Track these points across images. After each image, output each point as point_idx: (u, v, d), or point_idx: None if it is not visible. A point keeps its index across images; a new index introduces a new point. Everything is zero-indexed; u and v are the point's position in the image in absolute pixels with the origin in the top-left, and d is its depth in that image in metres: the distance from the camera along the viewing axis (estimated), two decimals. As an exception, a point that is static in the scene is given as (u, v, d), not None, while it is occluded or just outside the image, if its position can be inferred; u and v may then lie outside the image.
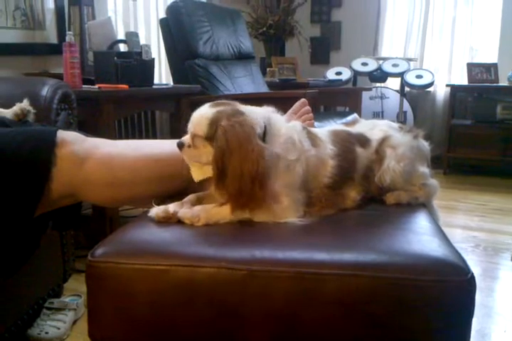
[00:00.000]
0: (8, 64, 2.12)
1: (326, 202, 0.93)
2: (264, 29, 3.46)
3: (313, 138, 0.93)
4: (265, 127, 0.85)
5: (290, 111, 1.30)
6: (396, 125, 1.08)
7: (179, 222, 0.85)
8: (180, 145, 0.90)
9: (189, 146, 0.88)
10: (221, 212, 0.84)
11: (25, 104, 1.21)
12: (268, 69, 3.35)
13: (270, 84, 3.03)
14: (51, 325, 1.36)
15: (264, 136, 0.85)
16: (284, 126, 0.90)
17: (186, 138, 0.89)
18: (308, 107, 1.30)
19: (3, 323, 1.16)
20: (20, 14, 2.20)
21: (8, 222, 0.92)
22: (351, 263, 0.72)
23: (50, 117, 1.39)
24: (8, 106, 1.27)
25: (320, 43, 4.11)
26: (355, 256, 0.74)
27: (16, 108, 1.20)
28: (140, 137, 2.36)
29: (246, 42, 2.95)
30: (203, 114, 0.85)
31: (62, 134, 0.99)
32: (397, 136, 1.02)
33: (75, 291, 1.54)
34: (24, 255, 1.01)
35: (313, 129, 0.99)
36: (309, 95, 2.07)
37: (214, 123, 0.82)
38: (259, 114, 0.86)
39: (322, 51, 4.12)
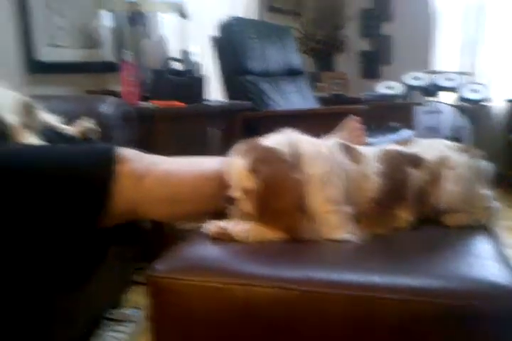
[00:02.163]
0: (70, 82, 2.24)
1: (375, 219, 0.92)
2: (314, 44, 3.47)
3: (354, 155, 0.94)
4: (292, 150, 0.87)
5: (339, 128, 1.30)
6: (452, 144, 1.06)
7: (233, 238, 0.86)
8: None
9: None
10: (271, 231, 0.85)
11: (88, 122, 1.28)
12: (318, 84, 3.36)
13: (320, 100, 3.04)
14: (111, 336, 1.40)
15: (294, 159, 0.86)
16: (312, 144, 0.91)
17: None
18: (358, 124, 1.30)
19: (64, 333, 1.21)
20: (79, 34, 2.32)
21: (72, 237, 0.97)
22: (408, 288, 0.70)
23: (110, 134, 1.45)
24: (71, 124, 1.34)
25: (370, 57, 4.09)
26: (411, 280, 0.72)
27: (79, 126, 1.26)
28: (192, 153, 2.41)
29: (295, 58, 2.97)
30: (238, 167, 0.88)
31: (122, 151, 1.03)
32: (454, 156, 1.00)
33: (135, 303, 1.57)
34: (90, 268, 1.05)
35: (357, 146, 0.99)
36: (359, 111, 2.06)
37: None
38: (282, 141, 0.89)
39: (372, 65, 4.08)
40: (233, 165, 0.89)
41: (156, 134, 1.83)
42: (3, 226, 0.94)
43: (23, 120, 1.17)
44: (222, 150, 2.39)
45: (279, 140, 0.89)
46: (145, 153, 1.11)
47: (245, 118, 2.30)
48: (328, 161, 0.89)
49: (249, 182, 0.85)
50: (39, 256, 0.97)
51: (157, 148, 1.78)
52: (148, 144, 1.80)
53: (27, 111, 1.17)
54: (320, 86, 3.31)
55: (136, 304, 1.56)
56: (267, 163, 0.85)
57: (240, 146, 0.92)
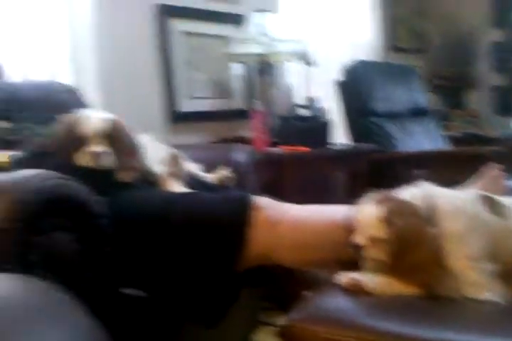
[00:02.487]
0: (205, 129, 2.43)
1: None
2: (440, 82, 3.37)
3: (497, 207, 0.88)
4: (428, 204, 0.85)
5: (479, 176, 1.24)
6: None
7: (365, 290, 0.86)
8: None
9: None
10: (404, 285, 0.83)
11: (225, 170, 1.38)
12: (446, 123, 3.23)
13: (450, 139, 2.91)
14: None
15: (429, 213, 0.85)
16: (449, 198, 0.89)
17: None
18: (498, 172, 1.23)
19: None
20: (215, 85, 2.53)
21: (211, 277, 1.04)
22: None
23: (243, 181, 1.55)
24: (210, 171, 1.46)
25: (504, 93, 3.83)
26: None
27: (219, 174, 1.37)
28: (319, 197, 2.44)
29: (421, 97, 2.91)
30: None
31: (257, 199, 1.10)
32: None
33: (262, 343, 1.60)
34: (224, 307, 1.11)
35: (500, 198, 0.93)
36: (495, 152, 1.94)
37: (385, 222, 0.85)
38: (417, 194, 0.87)
39: (507, 101, 3.82)
40: (364, 213, 0.90)
41: (283, 178, 1.90)
42: (155, 263, 1.04)
43: (170, 170, 1.30)
44: (347, 193, 2.39)
45: (414, 193, 0.89)
46: (275, 197, 1.17)
47: (371, 161, 2.28)
48: (467, 216, 0.86)
49: (380, 232, 0.85)
50: (181, 293, 1.06)
51: (284, 191, 1.87)
52: (276, 187, 1.89)
53: (174, 161, 1.31)
54: (449, 125, 3.17)
55: (263, 344, 1.58)
56: (401, 215, 0.85)
57: (373, 195, 0.93)
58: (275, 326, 1.72)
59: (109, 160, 1.15)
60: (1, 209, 0.70)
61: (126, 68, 2.07)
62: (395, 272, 0.83)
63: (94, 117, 1.17)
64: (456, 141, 2.94)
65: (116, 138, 1.17)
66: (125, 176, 1.18)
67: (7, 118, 1.38)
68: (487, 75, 3.68)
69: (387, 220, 0.85)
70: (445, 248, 0.82)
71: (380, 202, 0.89)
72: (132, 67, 2.10)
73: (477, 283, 0.81)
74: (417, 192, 0.89)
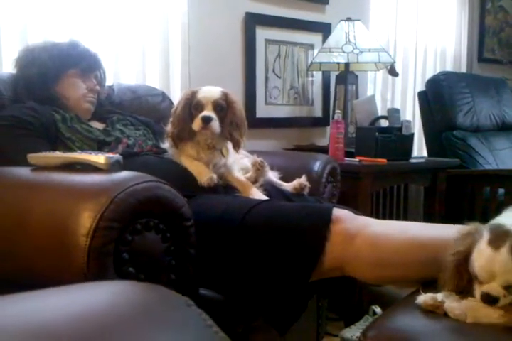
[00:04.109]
0: (281, 135, 2.46)
1: None
2: (532, 96, 3.18)
3: None
4: None
5: None
6: None
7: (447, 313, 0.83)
8: None
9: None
10: (493, 314, 0.78)
11: (303, 179, 1.39)
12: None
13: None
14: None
15: None
16: None
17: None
18: None
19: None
20: (293, 92, 2.55)
21: (286, 284, 1.06)
22: None
23: (319, 189, 1.55)
24: (285, 178, 1.48)
25: None
26: None
27: (296, 183, 1.39)
28: (393, 210, 2.40)
29: (511, 112, 2.77)
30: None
31: (337, 212, 1.10)
32: None
33: (325, 354, 1.60)
34: (293, 316, 1.12)
35: None
36: None
37: None
38: None
39: None
40: (488, 255, 0.79)
41: (358, 189, 1.88)
42: (232, 267, 1.07)
43: (252, 176, 1.34)
44: (424, 208, 2.31)
45: None
46: (357, 214, 1.16)
47: (450, 176, 2.20)
48: None
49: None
50: (255, 297, 1.08)
51: (358, 202, 1.85)
52: (351, 198, 1.87)
53: (257, 168, 1.34)
54: (539, 141, 2.99)
55: (325, 354, 1.58)
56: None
57: (485, 230, 0.83)
58: (340, 337, 1.71)
59: (215, 126, 1.27)
60: (100, 209, 0.75)
61: (213, 74, 2.14)
62: None
63: (209, 88, 1.32)
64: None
65: (226, 108, 1.30)
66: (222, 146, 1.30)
67: (103, 120, 1.48)
68: None
69: (495, 249, 0.77)
70: None
71: (503, 237, 0.79)
72: (219, 73, 2.17)
73: None
74: None
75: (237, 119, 1.32)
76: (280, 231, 1.07)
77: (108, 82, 1.66)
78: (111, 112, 1.54)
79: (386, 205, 2.35)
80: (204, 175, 1.24)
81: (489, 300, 0.78)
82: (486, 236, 0.81)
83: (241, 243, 1.07)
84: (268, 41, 2.43)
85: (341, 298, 1.83)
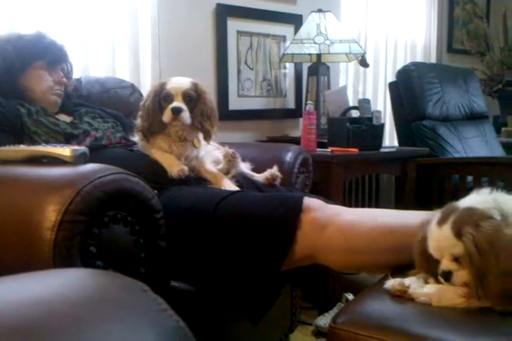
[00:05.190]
0: (253, 127, 2.46)
1: None
2: (500, 86, 3.25)
3: None
4: (498, 209, 0.81)
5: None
6: None
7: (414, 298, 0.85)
8: None
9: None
10: (455, 298, 0.80)
11: (274, 170, 1.40)
12: (503, 128, 3.12)
13: (506, 146, 2.81)
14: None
15: (502, 218, 0.80)
16: None
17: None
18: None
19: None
20: (266, 84, 2.55)
21: (257, 274, 1.06)
22: None
23: (291, 180, 1.56)
24: (257, 170, 1.48)
25: None
26: None
27: (268, 173, 1.39)
28: (365, 199, 2.43)
29: (479, 101, 2.83)
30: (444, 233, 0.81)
31: (308, 201, 1.11)
32: None
33: (299, 343, 1.62)
34: (266, 305, 1.13)
35: None
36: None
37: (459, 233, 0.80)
38: (484, 201, 0.83)
39: None
40: (435, 230, 0.83)
41: (331, 179, 1.90)
42: (203, 258, 1.07)
43: (224, 168, 1.34)
44: (395, 196, 2.34)
45: (479, 199, 0.84)
46: (326, 200, 1.17)
47: (420, 165, 2.24)
48: None
49: (460, 249, 0.79)
50: (226, 288, 1.09)
51: (333, 193, 1.86)
52: (323, 188, 1.89)
53: (229, 160, 1.34)
54: (505, 130, 3.06)
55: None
56: (471, 222, 0.79)
57: (439, 210, 0.87)
58: (314, 326, 1.74)
59: (186, 117, 1.26)
60: (65, 202, 0.74)
61: (184, 67, 2.12)
62: (478, 280, 0.78)
63: (179, 79, 1.31)
64: (511, 147, 2.84)
65: (196, 99, 1.29)
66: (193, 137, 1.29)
67: (70, 113, 1.45)
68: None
69: (460, 233, 0.79)
70: None
71: (448, 215, 0.83)
72: (190, 66, 2.15)
73: None
74: (481, 199, 0.84)
75: (208, 110, 1.31)
76: (251, 222, 1.07)
77: (76, 75, 1.63)
78: (79, 105, 1.51)
79: (358, 195, 2.38)
80: (175, 167, 1.23)
81: (445, 276, 0.81)
82: (436, 217, 0.84)
83: (212, 234, 1.07)
84: (240, 33, 2.42)
85: (315, 287, 1.85)
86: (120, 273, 0.40)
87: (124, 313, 0.29)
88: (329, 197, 1.42)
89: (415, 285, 0.86)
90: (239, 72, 2.43)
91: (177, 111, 1.25)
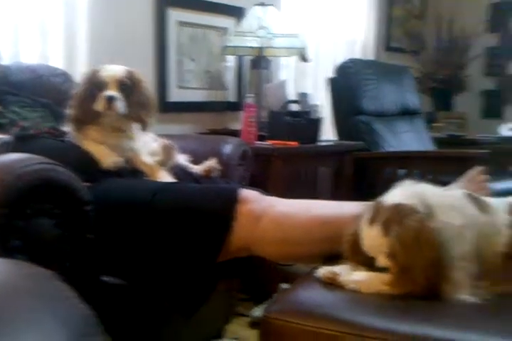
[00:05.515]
0: (194, 120, 2.43)
1: (501, 276, 0.87)
2: (433, 84, 3.40)
3: (482, 206, 0.90)
4: (422, 202, 0.85)
5: (464, 178, 1.27)
6: None
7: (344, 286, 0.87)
8: None
9: None
10: (382, 284, 0.83)
11: (212, 162, 1.39)
12: (434, 124, 3.27)
13: (436, 140, 2.95)
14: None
15: (426, 210, 0.84)
16: (441, 195, 0.89)
17: None
18: (483, 176, 1.26)
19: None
20: (207, 76, 2.53)
21: (193, 266, 1.06)
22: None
23: (230, 172, 1.56)
24: (196, 162, 1.47)
25: (493, 97, 3.88)
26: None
27: (205, 165, 1.38)
28: (304, 191, 2.47)
29: (412, 98, 2.94)
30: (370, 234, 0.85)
31: (244, 192, 1.11)
32: None
33: (235, 334, 1.63)
34: (203, 297, 1.13)
35: (484, 198, 0.96)
36: (479, 155, 1.97)
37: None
38: (409, 195, 0.86)
39: (495, 105, 3.87)
40: (366, 232, 0.85)
41: (270, 172, 1.92)
42: (137, 251, 1.05)
43: (161, 159, 1.32)
44: (332, 189, 2.40)
45: (405, 194, 0.87)
46: (263, 191, 1.18)
47: (356, 158, 2.31)
48: (460, 212, 0.86)
49: (383, 247, 0.82)
50: (160, 281, 1.07)
51: (271, 185, 1.88)
52: (263, 181, 1.90)
53: (166, 152, 1.32)
54: (436, 126, 3.21)
55: (236, 335, 1.61)
56: (397, 220, 0.82)
57: (367, 208, 0.89)
58: (250, 317, 1.75)
59: (120, 106, 1.22)
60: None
61: (120, 56, 2.05)
62: (400, 270, 0.81)
63: (113, 67, 1.26)
64: (441, 142, 2.98)
65: (131, 87, 1.25)
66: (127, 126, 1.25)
67: (-4, 101, 1.38)
68: (478, 79, 3.72)
69: (385, 225, 0.82)
70: (442, 247, 0.80)
71: (377, 213, 0.86)
72: (128, 55, 2.09)
73: (460, 283, 0.82)
74: (407, 192, 0.88)
75: (144, 99, 1.28)
76: (187, 213, 1.06)
77: (5, 61, 1.55)
78: (6, 93, 1.43)
79: (297, 187, 2.41)
80: (108, 159, 1.20)
81: (381, 269, 0.84)
82: (366, 215, 0.86)
83: (148, 226, 1.05)
84: (181, 23, 2.38)
85: (251, 278, 1.87)
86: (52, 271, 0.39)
87: (30, 301, 0.28)
88: (268, 190, 1.43)
89: (345, 273, 0.88)
90: (180, 63, 2.39)
91: (111, 100, 1.21)
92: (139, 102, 1.26)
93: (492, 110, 3.88)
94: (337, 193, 2.26)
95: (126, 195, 1.10)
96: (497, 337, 0.71)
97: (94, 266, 0.92)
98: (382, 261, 0.83)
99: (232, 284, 1.54)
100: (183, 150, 1.48)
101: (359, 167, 2.32)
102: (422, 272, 0.78)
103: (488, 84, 3.90)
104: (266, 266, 1.87)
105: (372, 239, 0.84)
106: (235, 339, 1.61)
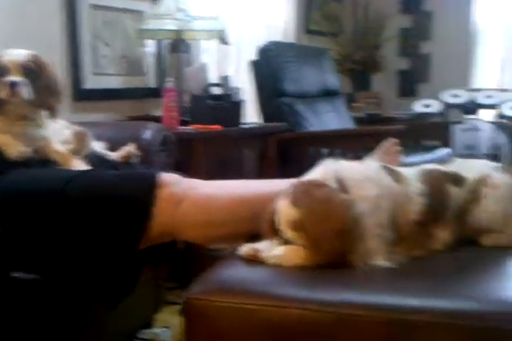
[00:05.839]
0: (111, 108, 2.34)
1: (414, 241, 0.92)
2: (351, 65, 3.50)
3: (396, 176, 0.94)
4: (337, 176, 0.88)
5: (379, 150, 1.32)
6: (494, 164, 1.05)
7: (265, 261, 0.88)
8: None
9: None
10: (301, 256, 0.84)
11: (130, 147, 1.35)
12: (353, 104, 3.38)
13: (356, 119, 3.05)
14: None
15: (339, 184, 0.87)
16: (357, 168, 0.92)
17: None
18: (395, 147, 1.31)
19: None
20: (125, 62, 2.43)
21: (113, 255, 1.02)
22: (443, 311, 0.70)
23: (151, 158, 1.52)
24: (114, 149, 1.42)
25: (408, 76, 4.07)
26: (446, 303, 0.72)
27: (123, 151, 1.34)
28: (229, 174, 2.46)
29: (332, 79, 3.01)
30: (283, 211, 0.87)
31: (163, 176, 1.08)
32: (496, 176, 0.99)
33: (165, 323, 1.60)
34: (128, 285, 1.10)
35: (397, 168, 1.00)
36: (395, 131, 2.06)
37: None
38: (324, 171, 0.90)
39: (410, 84, 4.06)
40: (279, 209, 0.87)
41: (193, 157, 1.89)
42: (50, 243, 1.00)
43: (74, 147, 1.25)
44: (258, 171, 2.42)
45: (321, 170, 0.90)
46: (184, 176, 1.16)
47: (280, 140, 2.34)
48: (375, 182, 0.89)
49: (292, 215, 0.84)
50: (77, 273, 1.03)
51: (195, 170, 1.86)
52: (187, 166, 1.87)
53: (79, 139, 1.26)
54: (355, 106, 3.32)
55: (167, 323, 1.59)
56: (307, 193, 0.85)
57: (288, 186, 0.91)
58: (180, 305, 1.73)
59: (25, 92, 1.15)
60: None
61: (26, 41, 1.92)
62: (305, 243, 0.83)
63: (16, 51, 1.19)
64: (360, 121, 3.09)
65: (37, 72, 1.18)
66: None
67: None
68: (393, 59, 3.88)
69: (295, 203, 0.84)
70: (355, 216, 0.83)
71: (293, 190, 0.88)
72: (33, 40, 1.96)
73: (376, 250, 0.85)
74: (323, 168, 0.91)
75: (52, 84, 1.21)
76: (103, 201, 1.02)
77: None
78: None
79: (222, 171, 2.41)
80: (12, 149, 1.12)
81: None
82: (285, 191, 0.88)
83: (61, 217, 1.00)
84: (94, 6, 2.26)
85: (181, 266, 1.85)
86: None
87: None
88: (192, 175, 1.41)
89: (267, 249, 0.89)
90: (94, 48, 2.28)
91: (14, 86, 1.13)
92: (46, 87, 1.19)
93: (407, 89, 4.08)
94: (263, 175, 2.28)
95: (35, 184, 1.04)
96: (411, 297, 0.74)
97: (3, 262, 0.86)
98: (292, 234, 0.85)
99: (158, 272, 1.52)
100: (100, 138, 1.41)
101: (284, 148, 2.35)
102: (329, 243, 0.81)
103: (403, 64, 4.08)
104: (195, 252, 1.85)
105: (284, 213, 0.85)
106: (166, 327, 1.58)
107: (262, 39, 3.12)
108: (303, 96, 2.72)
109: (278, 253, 0.86)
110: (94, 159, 1.30)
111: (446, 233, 0.96)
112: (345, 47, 3.69)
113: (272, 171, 2.26)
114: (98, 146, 1.37)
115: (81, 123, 1.41)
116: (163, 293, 1.55)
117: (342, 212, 0.82)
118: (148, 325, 1.54)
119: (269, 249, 0.89)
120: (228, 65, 2.93)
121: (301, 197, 0.85)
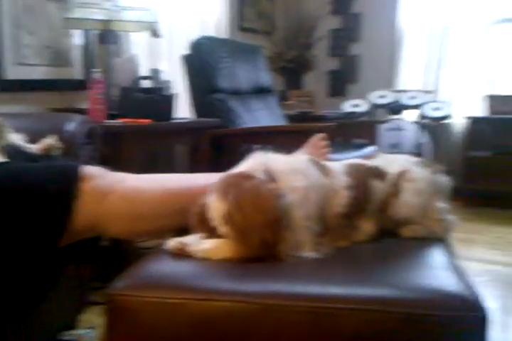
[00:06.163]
0: (35, 99, 2.22)
1: (339, 233, 0.94)
2: (284, 63, 3.55)
3: (323, 169, 0.96)
4: (265, 168, 0.88)
5: (307, 145, 1.34)
6: (415, 159, 1.10)
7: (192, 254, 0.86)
8: None
9: None
10: (229, 249, 0.84)
11: (51, 139, 1.28)
12: (286, 102, 3.42)
13: (289, 117, 3.09)
14: (66, 357, 1.37)
15: (267, 176, 0.87)
16: (286, 161, 0.94)
17: None
18: (324, 142, 1.34)
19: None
20: (49, 51, 2.31)
21: (33, 252, 0.96)
22: (365, 298, 0.73)
23: (75, 152, 1.45)
24: (35, 142, 1.34)
25: (338, 76, 4.19)
26: (368, 291, 0.75)
27: (43, 143, 1.26)
28: (159, 170, 2.42)
29: (265, 77, 3.03)
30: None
31: (87, 169, 1.04)
32: (415, 170, 1.04)
33: (90, 323, 1.54)
34: (49, 285, 1.04)
35: (325, 162, 1.02)
36: (325, 129, 2.11)
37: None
38: (253, 163, 0.90)
39: (340, 84, 4.19)
40: (209, 204, 0.87)
41: (122, 151, 1.83)
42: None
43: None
44: (189, 167, 2.39)
45: (250, 163, 0.90)
46: (111, 170, 1.11)
47: (213, 136, 2.32)
48: (303, 174, 0.90)
49: (222, 211, 0.83)
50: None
51: (124, 165, 1.79)
52: (115, 161, 1.80)
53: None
54: (288, 104, 3.37)
55: (92, 324, 1.53)
56: (236, 185, 0.84)
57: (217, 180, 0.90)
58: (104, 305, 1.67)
59: None
60: None
61: None
62: (232, 236, 0.83)
63: None
64: (293, 118, 3.14)
65: None
66: None
67: None
68: (323, 59, 3.97)
69: (223, 195, 0.84)
70: (287, 205, 0.83)
71: (221, 180, 0.88)
72: None
73: (304, 242, 0.86)
74: (252, 161, 0.91)
75: None
76: (21, 195, 0.96)
77: None
78: None
79: (152, 166, 2.36)
80: None
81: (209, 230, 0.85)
82: (214, 185, 0.87)
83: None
84: (14, -8, 2.13)
85: (106, 265, 1.78)
86: None
87: None
88: (122, 170, 1.37)
89: (194, 242, 0.88)
90: (16, 36, 2.14)
91: None
92: None
93: (336, 88, 4.19)
94: (195, 171, 2.24)
95: None
96: (335, 285, 0.76)
97: None
98: (220, 227, 0.84)
99: (83, 271, 1.45)
100: (19, 129, 1.33)
101: (216, 144, 2.33)
102: (258, 234, 0.81)
103: (333, 64, 4.20)
104: (122, 251, 1.80)
105: (214, 208, 0.84)
106: (91, 328, 1.52)
107: (195, 34, 3.08)
108: (236, 93, 2.71)
109: (206, 246, 0.85)
110: (12, 151, 1.21)
111: (369, 225, 0.99)
112: (278, 45, 3.73)
113: (204, 167, 2.24)
114: (17, 138, 1.28)
115: (0, 115, 1.32)
116: (87, 293, 1.49)
117: (271, 202, 0.82)
118: (71, 325, 1.48)
119: (197, 243, 0.87)
120: (160, 58, 2.87)
121: (230, 189, 0.84)
